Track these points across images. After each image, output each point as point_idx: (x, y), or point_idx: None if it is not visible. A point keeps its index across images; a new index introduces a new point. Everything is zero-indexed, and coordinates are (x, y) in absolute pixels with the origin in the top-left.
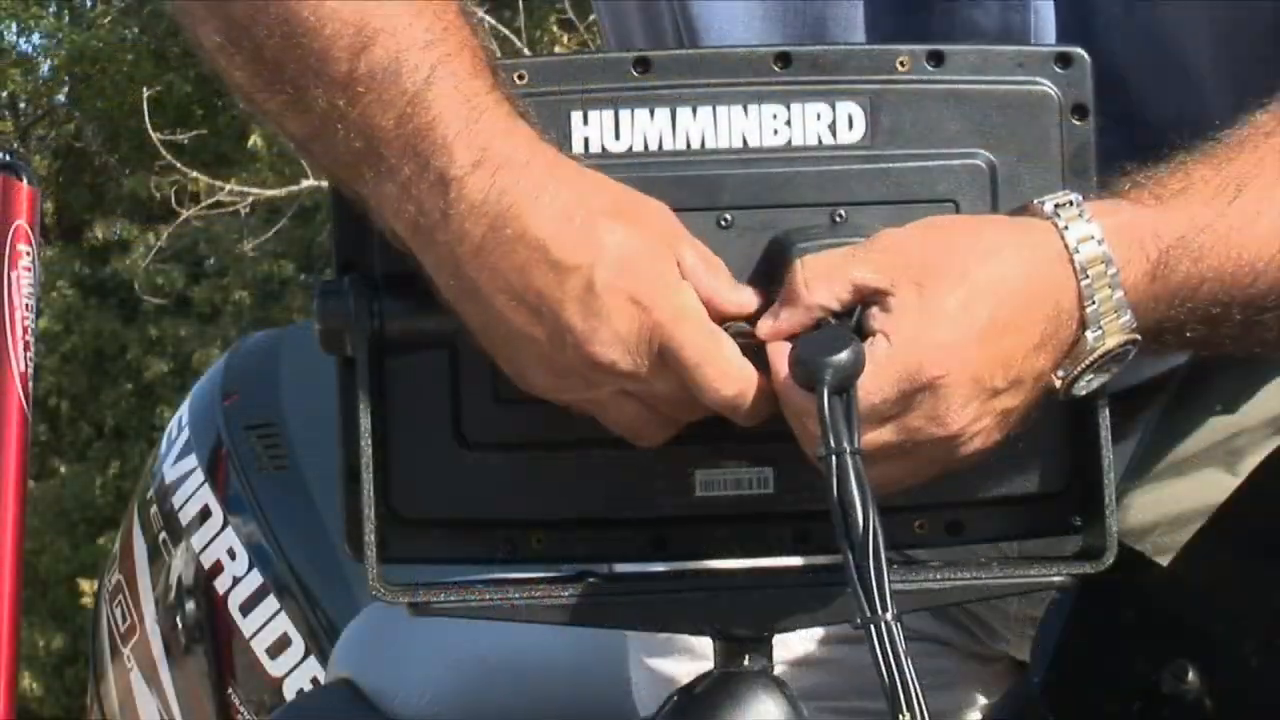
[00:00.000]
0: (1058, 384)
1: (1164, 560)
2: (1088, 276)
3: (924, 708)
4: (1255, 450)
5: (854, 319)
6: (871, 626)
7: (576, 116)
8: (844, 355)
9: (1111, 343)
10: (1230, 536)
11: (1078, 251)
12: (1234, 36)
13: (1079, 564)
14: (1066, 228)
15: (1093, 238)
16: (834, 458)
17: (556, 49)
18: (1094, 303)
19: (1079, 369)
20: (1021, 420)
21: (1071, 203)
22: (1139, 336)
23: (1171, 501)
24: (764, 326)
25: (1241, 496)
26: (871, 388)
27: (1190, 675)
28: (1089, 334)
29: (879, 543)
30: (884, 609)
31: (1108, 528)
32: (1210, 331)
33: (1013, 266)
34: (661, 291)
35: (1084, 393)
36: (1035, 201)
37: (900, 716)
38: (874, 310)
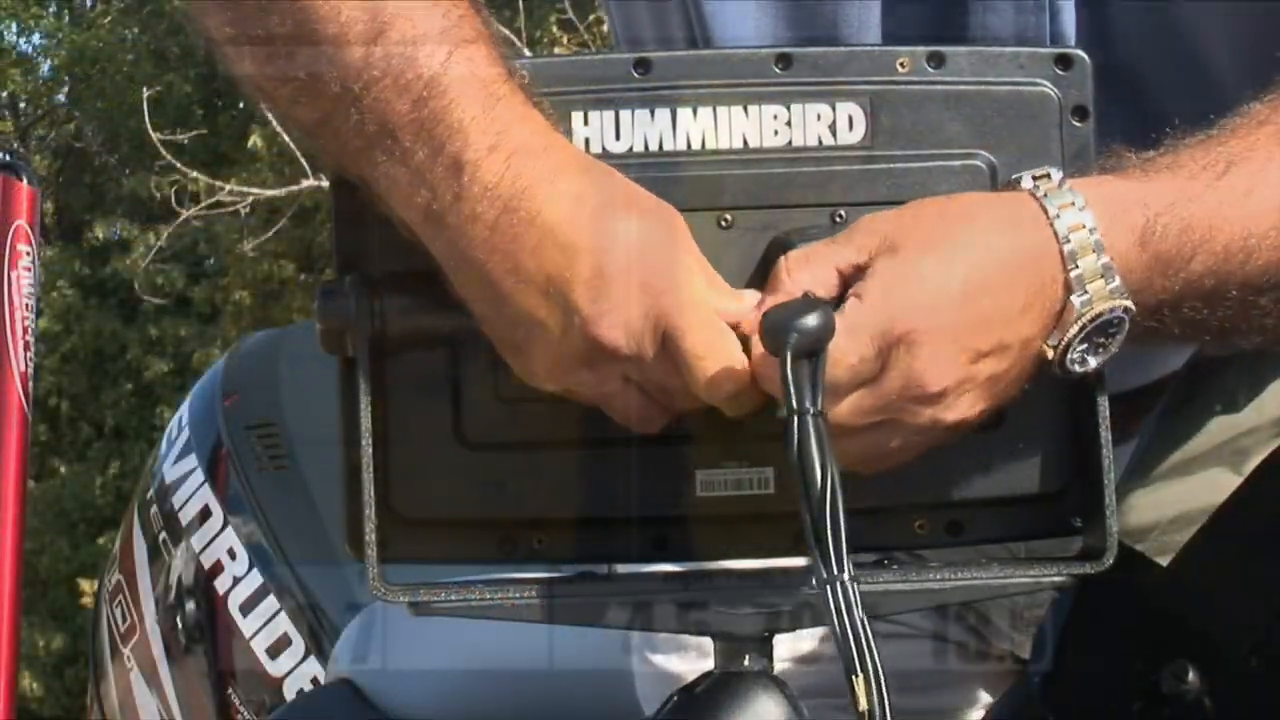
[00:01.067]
0: (1050, 354)
1: (1164, 560)
2: (1070, 242)
3: (879, 670)
4: (1261, 451)
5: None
6: (828, 588)
7: (577, 117)
8: (810, 318)
9: (1100, 308)
10: (1230, 536)
11: (1058, 217)
12: (1254, 38)
13: (1079, 564)
14: (1045, 195)
15: (1073, 204)
16: (795, 418)
17: (556, 49)
18: (1078, 267)
19: (1068, 337)
20: (1010, 390)
21: (1049, 176)
22: (1130, 303)
23: (1174, 502)
24: (752, 321)
25: (1242, 497)
26: (846, 347)
27: (1190, 675)
28: (1076, 299)
29: (838, 504)
30: (840, 569)
31: (1108, 528)
32: (1209, 312)
33: (991, 232)
34: (671, 281)
35: (1079, 369)
36: (1013, 177)
37: (854, 679)
38: (853, 284)
